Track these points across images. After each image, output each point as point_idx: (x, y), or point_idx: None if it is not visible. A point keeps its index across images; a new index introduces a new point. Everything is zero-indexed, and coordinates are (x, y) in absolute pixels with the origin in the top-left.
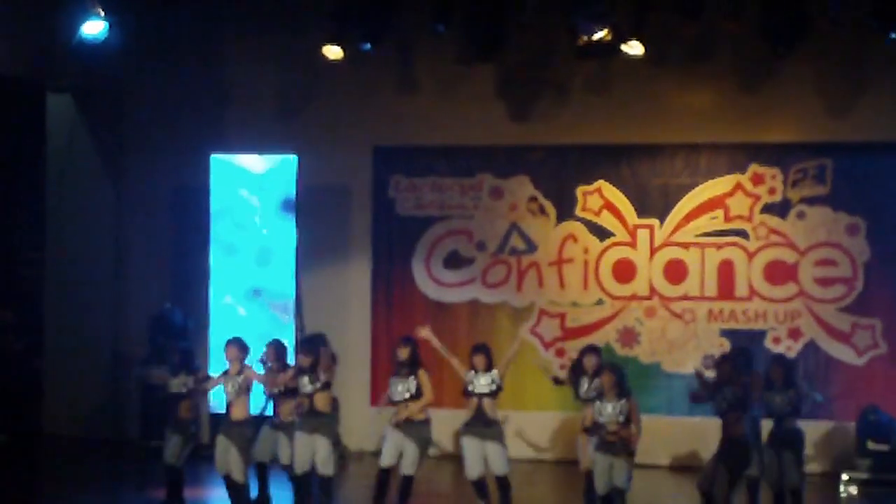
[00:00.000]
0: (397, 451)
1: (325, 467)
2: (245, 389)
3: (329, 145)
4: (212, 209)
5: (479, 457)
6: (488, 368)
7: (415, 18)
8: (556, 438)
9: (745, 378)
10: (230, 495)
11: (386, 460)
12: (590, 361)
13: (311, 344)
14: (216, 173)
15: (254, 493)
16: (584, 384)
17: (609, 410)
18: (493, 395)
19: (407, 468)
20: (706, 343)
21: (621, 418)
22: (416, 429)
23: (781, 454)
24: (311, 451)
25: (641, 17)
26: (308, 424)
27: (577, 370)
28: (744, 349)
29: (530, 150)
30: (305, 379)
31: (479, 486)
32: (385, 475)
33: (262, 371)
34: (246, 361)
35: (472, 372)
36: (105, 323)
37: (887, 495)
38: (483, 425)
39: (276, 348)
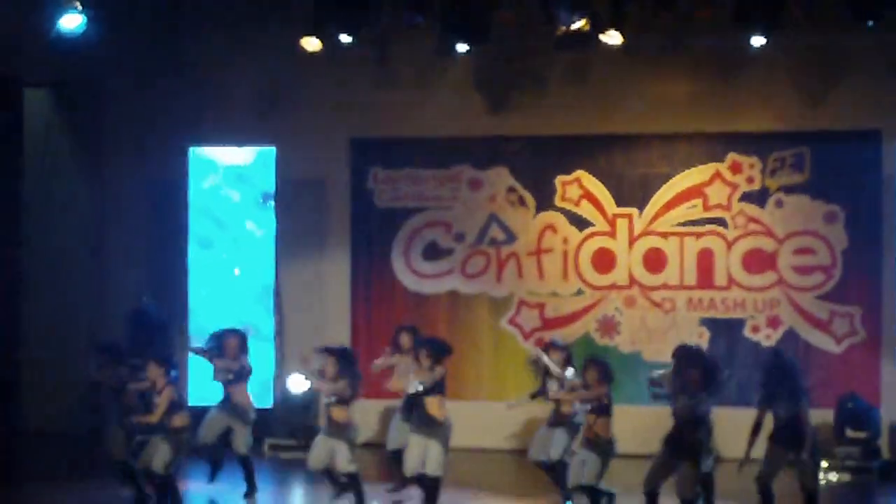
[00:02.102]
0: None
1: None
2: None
3: (307, 138)
4: (190, 202)
5: (420, 455)
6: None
7: (393, 10)
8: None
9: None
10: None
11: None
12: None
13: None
14: (194, 166)
15: None
16: (554, 385)
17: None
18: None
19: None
20: (686, 332)
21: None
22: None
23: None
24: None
25: (619, 8)
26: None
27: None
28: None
29: (509, 141)
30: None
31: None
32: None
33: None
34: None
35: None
36: (83, 317)
37: (867, 482)
38: (426, 424)
39: None
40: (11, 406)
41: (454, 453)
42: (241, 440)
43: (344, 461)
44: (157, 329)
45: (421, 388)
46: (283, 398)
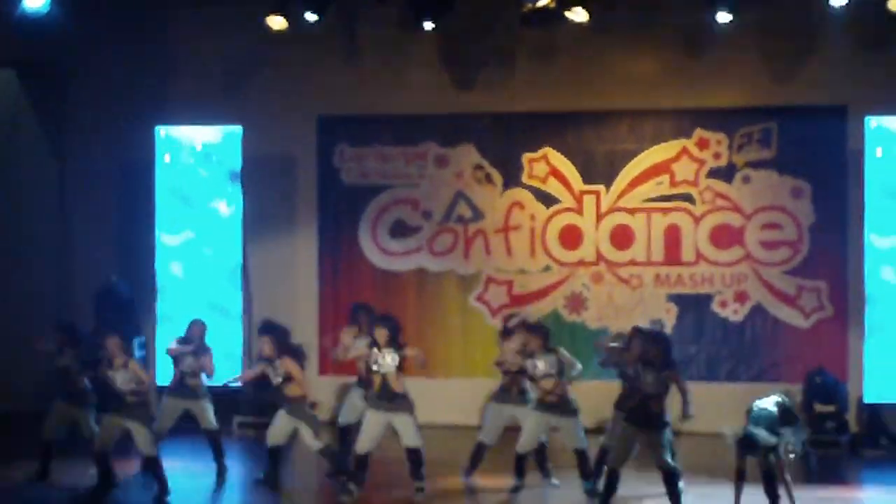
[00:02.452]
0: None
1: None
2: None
3: (274, 116)
4: (157, 182)
5: (378, 434)
6: (390, 344)
7: None
8: None
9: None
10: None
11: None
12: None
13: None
14: (162, 146)
15: None
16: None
17: (541, 367)
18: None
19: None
20: (653, 308)
21: (552, 371)
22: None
23: None
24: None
25: None
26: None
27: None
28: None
29: (475, 118)
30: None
31: (363, 461)
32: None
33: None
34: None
35: (376, 349)
36: (51, 297)
37: (834, 456)
38: (389, 399)
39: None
40: None
41: (423, 430)
42: (206, 415)
43: (309, 440)
44: (126, 307)
45: (395, 366)
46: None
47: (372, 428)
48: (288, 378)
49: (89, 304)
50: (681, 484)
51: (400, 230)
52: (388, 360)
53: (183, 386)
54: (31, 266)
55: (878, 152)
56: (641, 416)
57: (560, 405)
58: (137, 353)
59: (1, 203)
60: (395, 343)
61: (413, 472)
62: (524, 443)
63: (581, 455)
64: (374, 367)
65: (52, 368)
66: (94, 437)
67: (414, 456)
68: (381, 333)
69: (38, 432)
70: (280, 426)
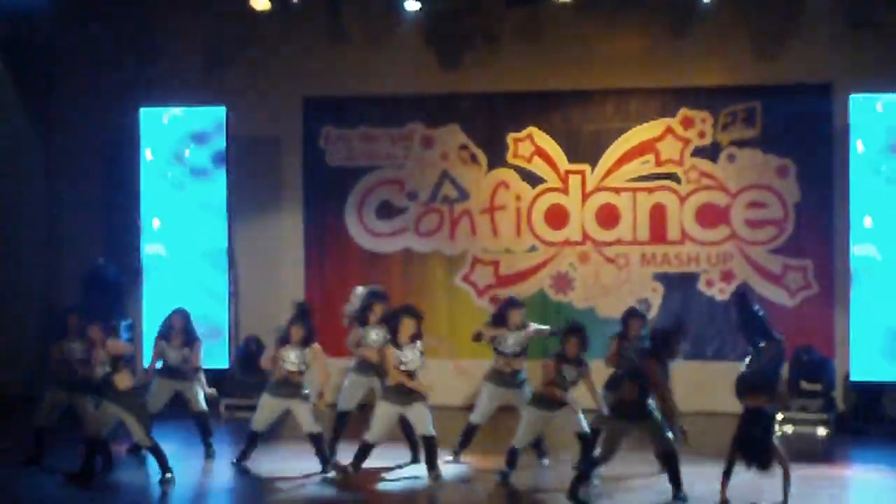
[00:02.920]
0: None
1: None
2: None
3: (258, 97)
4: (142, 161)
5: (391, 426)
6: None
7: None
8: None
9: None
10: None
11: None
12: (515, 317)
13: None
14: (147, 126)
15: None
16: (510, 338)
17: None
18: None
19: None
20: (640, 287)
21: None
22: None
23: None
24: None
25: None
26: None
27: (498, 323)
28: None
29: (460, 99)
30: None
31: (368, 450)
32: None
33: None
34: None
35: (398, 347)
36: (37, 278)
37: (820, 434)
38: (406, 392)
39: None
40: None
41: None
42: (196, 398)
43: (308, 422)
44: (113, 290)
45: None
46: (239, 358)
47: (386, 420)
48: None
49: (76, 287)
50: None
51: (386, 211)
52: (415, 355)
53: (174, 368)
54: (18, 248)
55: (859, 146)
56: (628, 410)
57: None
58: (124, 335)
59: None
60: (416, 335)
61: (428, 461)
62: (522, 438)
63: (583, 438)
64: (402, 366)
65: (45, 355)
66: (89, 423)
67: (429, 444)
68: (410, 325)
69: (27, 418)
70: (269, 411)
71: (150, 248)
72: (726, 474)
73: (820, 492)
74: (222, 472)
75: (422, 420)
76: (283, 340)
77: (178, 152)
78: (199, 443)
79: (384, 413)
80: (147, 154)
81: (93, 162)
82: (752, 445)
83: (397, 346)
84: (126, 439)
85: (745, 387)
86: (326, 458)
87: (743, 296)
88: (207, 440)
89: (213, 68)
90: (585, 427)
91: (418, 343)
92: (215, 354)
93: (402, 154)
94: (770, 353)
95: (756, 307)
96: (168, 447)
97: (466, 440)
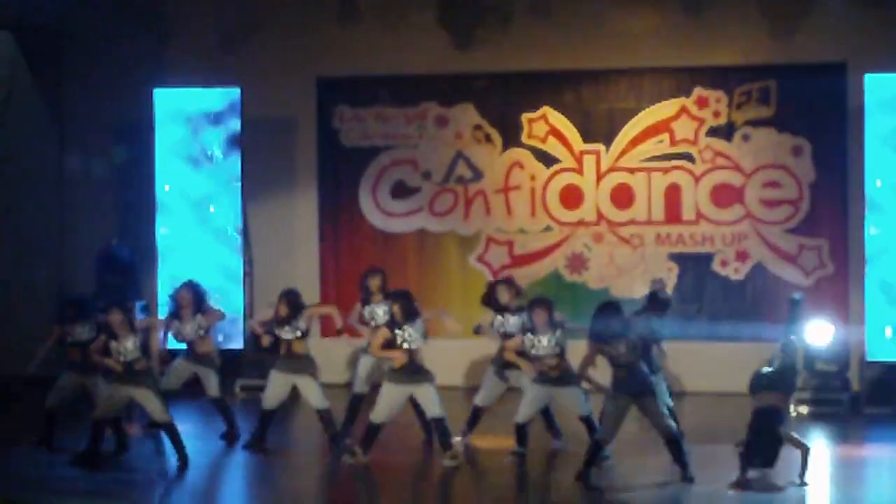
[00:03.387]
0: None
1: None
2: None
3: (272, 77)
4: (156, 143)
5: (398, 408)
6: (409, 317)
7: None
8: None
9: None
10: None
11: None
12: (505, 295)
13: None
14: (161, 107)
15: None
16: (510, 319)
17: (544, 343)
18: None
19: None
20: (654, 267)
21: (557, 350)
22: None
23: None
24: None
25: None
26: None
27: (490, 303)
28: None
29: (474, 78)
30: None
31: (375, 430)
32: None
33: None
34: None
35: (398, 329)
36: (51, 261)
37: (835, 415)
38: (413, 372)
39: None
40: None
41: None
42: (211, 384)
43: (316, 398)
44: (127, 271)
45: (423, 338)
46: (253, 339)
47: (392, 401)
48: (303, 334)
49: (90, 268)
50: (685, 447)
51: (400, 191)
52: (413, 334)
53: (194, 351)
54: (31, 231)
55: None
56: (629, 385)
57: (561, 378)
58: (139, 317)
59: None
60: (412, 314)
61: (441, 442)
62: (524, 413)
63: (587, 421)
64: (405, 345)
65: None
66: (100, 405)
67: (439, 425)
68: (395, 310)
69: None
70: (279, 387)
71: (164, 229)
72: (744, 468)
73: (836, 472)
74: (237, 452)
75: (429, 401)
76: (392, 325)
77: (192, 133)
78: (213, 422)
79: (388, 394)
80: (161, 135)
81: (107, 143)
82: (759, 444)
83: (397, 324)
84: (142, 418)
85: (760, 385)
86: (337, 434)
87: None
88: (230, 424)
89: (226, 49)
90: (585, 410)
91: (418, 321)
92: (230, 335)
93: (416, 134)
94: (790, 352)
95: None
96: (183, 427)
97: (473, 422)
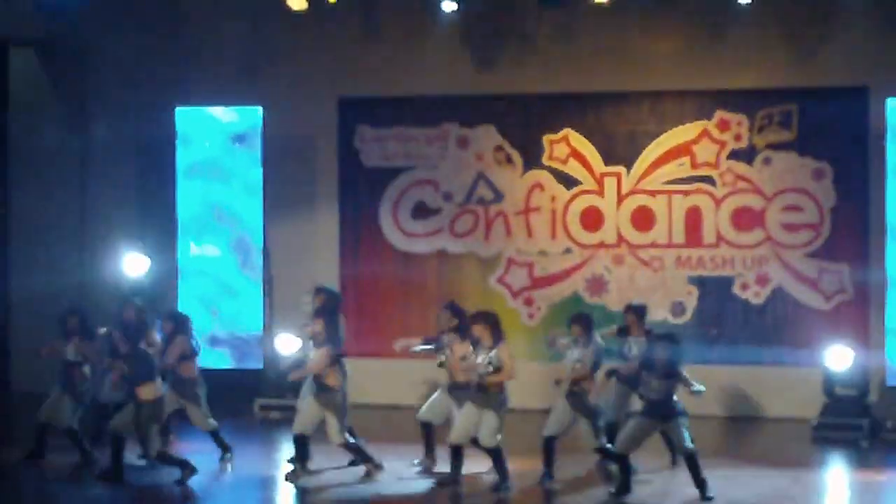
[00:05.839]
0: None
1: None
2: None
3: (294, 97)
4: (178, 161)
5: (472, 424)
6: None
7: None
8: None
9: None
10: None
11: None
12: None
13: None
14: (183, 125)
15: None
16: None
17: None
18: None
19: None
20: (674, 290)
21: (489, 368)
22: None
23: None
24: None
25: None
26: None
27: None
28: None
29: (496, 100)
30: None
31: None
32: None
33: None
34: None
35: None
36: (73, 278)
37: (856, 439)
38: (484, 394)
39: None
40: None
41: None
42: (197, 417)
43: (335, 433)
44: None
45: (491, 368)
46: (273, 358)
47: (469, 420)
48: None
49: (109, 283)
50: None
51: (421, 212)
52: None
53: (176, 378)
54: (52, 246)
55: None
56: (659, 412)
57: (584, 403)
58: (158, 335)
59: (23, 182)
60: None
61: (498, 469)
62: (552, 426)
63: (601, 452)
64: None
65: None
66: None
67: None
68: (484, 333)
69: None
70: (310, 414)
71: (187, 248)
72: None
73: (855, 497)
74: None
75: (486, 430)
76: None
77: (214, 152)
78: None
79: (468, 413)
80: (183, 153)
81: (129, 160)
82: None
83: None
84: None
85: None
86: (366, 458)
87: None
88: (221, 443)
89: (249, 68)
90: (600, 441)
91: (493, 352)
92: (249, 355)
93: (437, 154)
94: None
95: None
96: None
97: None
